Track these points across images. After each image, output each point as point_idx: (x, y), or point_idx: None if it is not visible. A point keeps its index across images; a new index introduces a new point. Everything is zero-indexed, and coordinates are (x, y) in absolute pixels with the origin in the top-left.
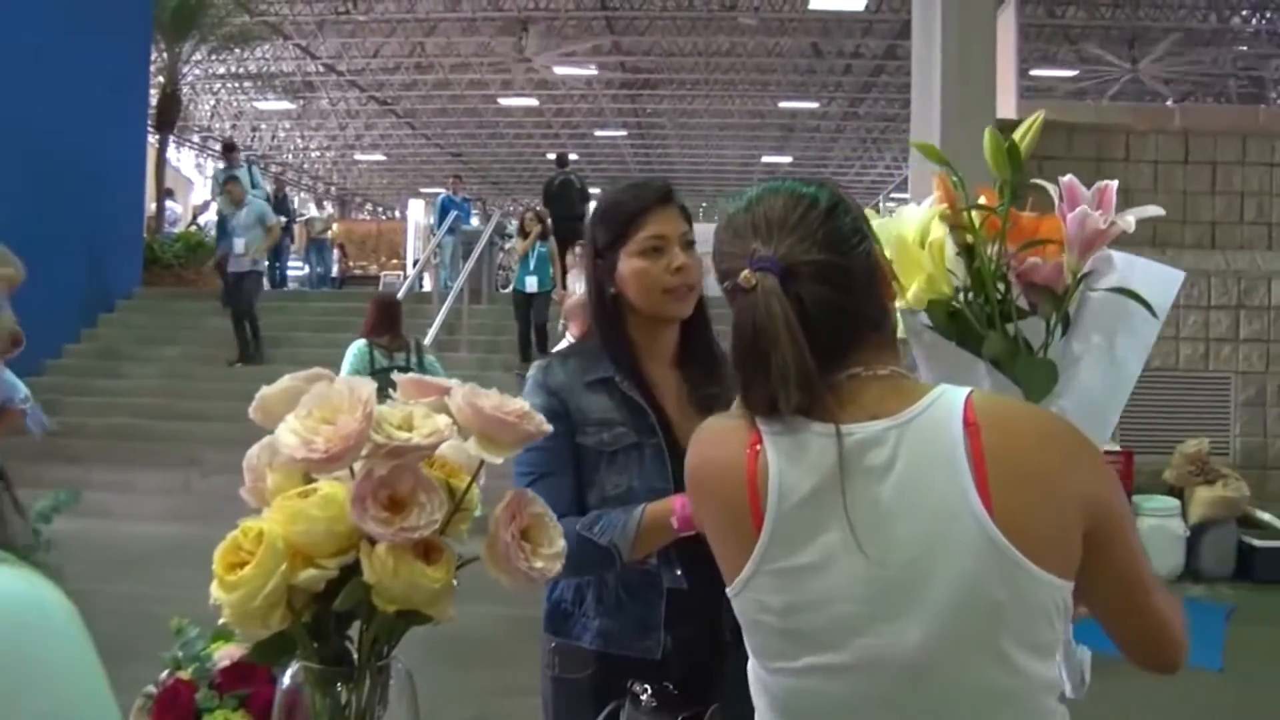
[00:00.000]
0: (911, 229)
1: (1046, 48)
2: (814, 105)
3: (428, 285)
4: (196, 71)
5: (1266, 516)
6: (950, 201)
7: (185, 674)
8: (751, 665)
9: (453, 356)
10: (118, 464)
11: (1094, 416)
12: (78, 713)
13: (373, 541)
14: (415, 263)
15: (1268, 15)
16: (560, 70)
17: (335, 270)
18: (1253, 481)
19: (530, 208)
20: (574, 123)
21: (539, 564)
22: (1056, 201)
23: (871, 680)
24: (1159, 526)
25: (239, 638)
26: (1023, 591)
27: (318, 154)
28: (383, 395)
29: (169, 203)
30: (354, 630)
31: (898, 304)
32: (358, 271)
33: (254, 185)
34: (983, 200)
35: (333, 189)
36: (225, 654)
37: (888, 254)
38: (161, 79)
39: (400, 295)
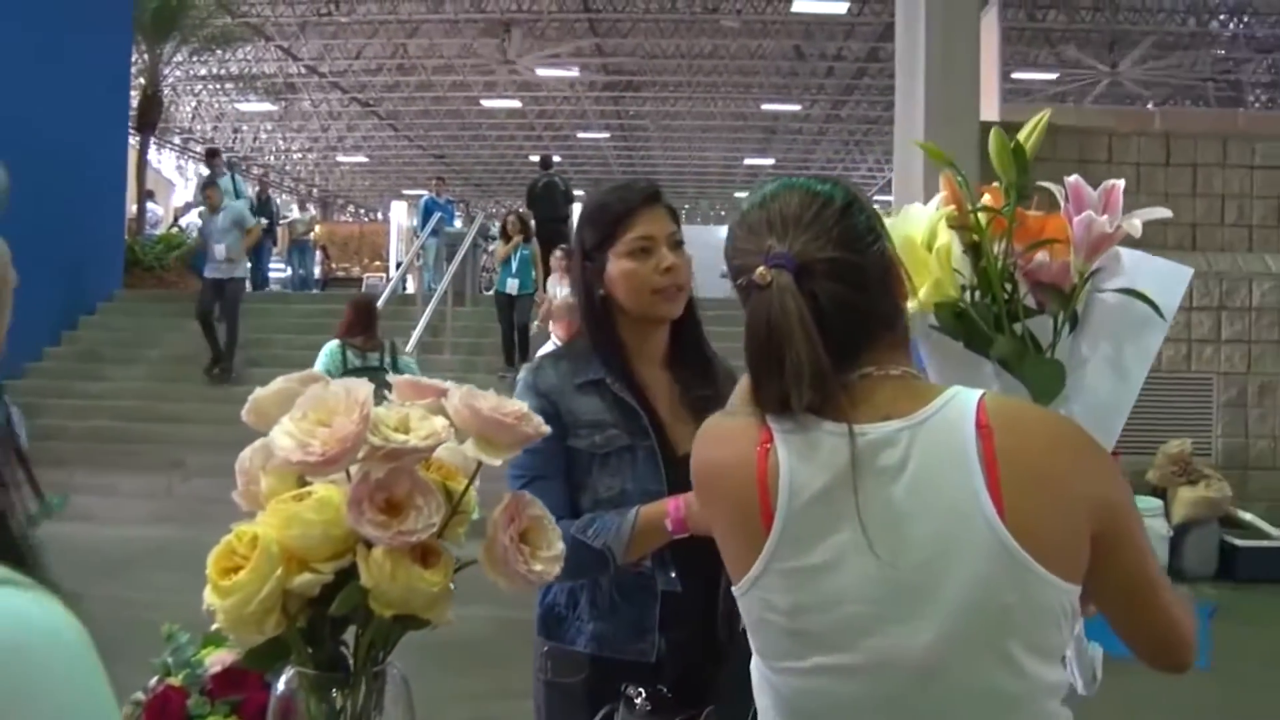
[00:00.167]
0: (919, 230)
1: (1027, 51)
2: (796, 107)
3: (411, 287)
4: (178, 73)
5: (1248, 516)
6: (957, 202)
7: (176, 680)
8: (756, 665)
9: (436, 359)
10: (99, 467)
11: (1101, 420)
12: None
13: (369, 545)
14: (398, 265)
15: (1245, 19)
16: (543, 72)
17: (317, 272)
18: (1234, 482)
19: (513, 210)
20: (557, 124)
21: (538, 567)
22: (1062, 203)
23: (879, 681)
24: None
25: (232, 643)
26: (1032, 595)
27: (300, 156)
28: None
29: (150, 204)
30: (349, 634)
31: (908, 304)
32: (340, 274)
33: (237, 194)
34: (987, 199)
35: (315, 191)
36: (216, 659)
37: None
38: (142, 80)
39: (384, 297)
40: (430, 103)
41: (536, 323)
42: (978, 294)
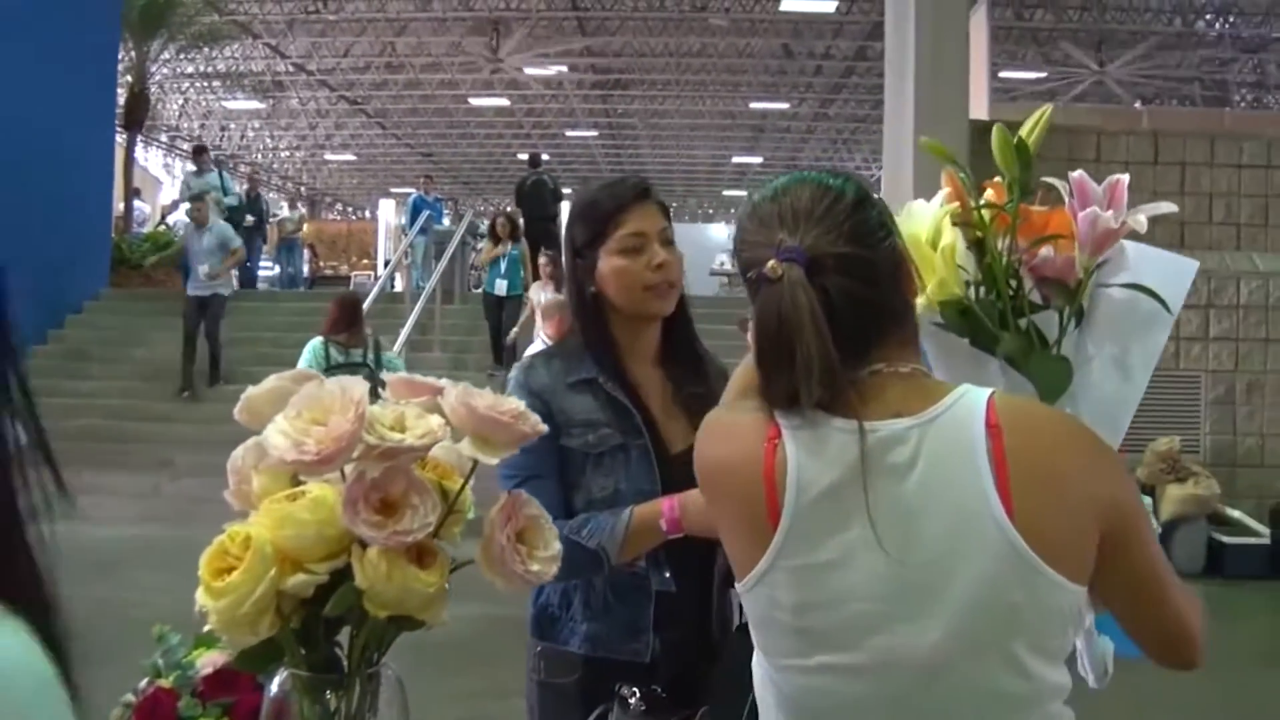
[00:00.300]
0: (923, 228)
1: (1015, 50)
2: (785, 106)
3: (399, 286)
4: (165, 70)
5: (1236, 513)
6: (960, 199)
7: (166, 682)
8: (758, 662)
9: (425, 357)
10: (86, 467)
11: (1108, 418)
12: None
13: (364, 545)
14: (386, 263)
15: (1230, 19)
16: (531, 70)
17: (305, 270)
18: (1222, 479)
19: (502, 211)
20: (545, 123)
21: (535, 567)
22: (1066, 199)
23: (885, 681)
24: None
25: (223, 644)
26: (1039, 596)
27: (287, 154)
28: None
29: (137, 203)
30: (342, 635)
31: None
32: (328, 272)
33: (225, 191)
34: (990, 194)
35: (302, 189)
36: (208, 661)
37: None
38: (130, 78)
39: (372, 296)
40: (418, 101)
41: (514, 330)
42: (982, 290)
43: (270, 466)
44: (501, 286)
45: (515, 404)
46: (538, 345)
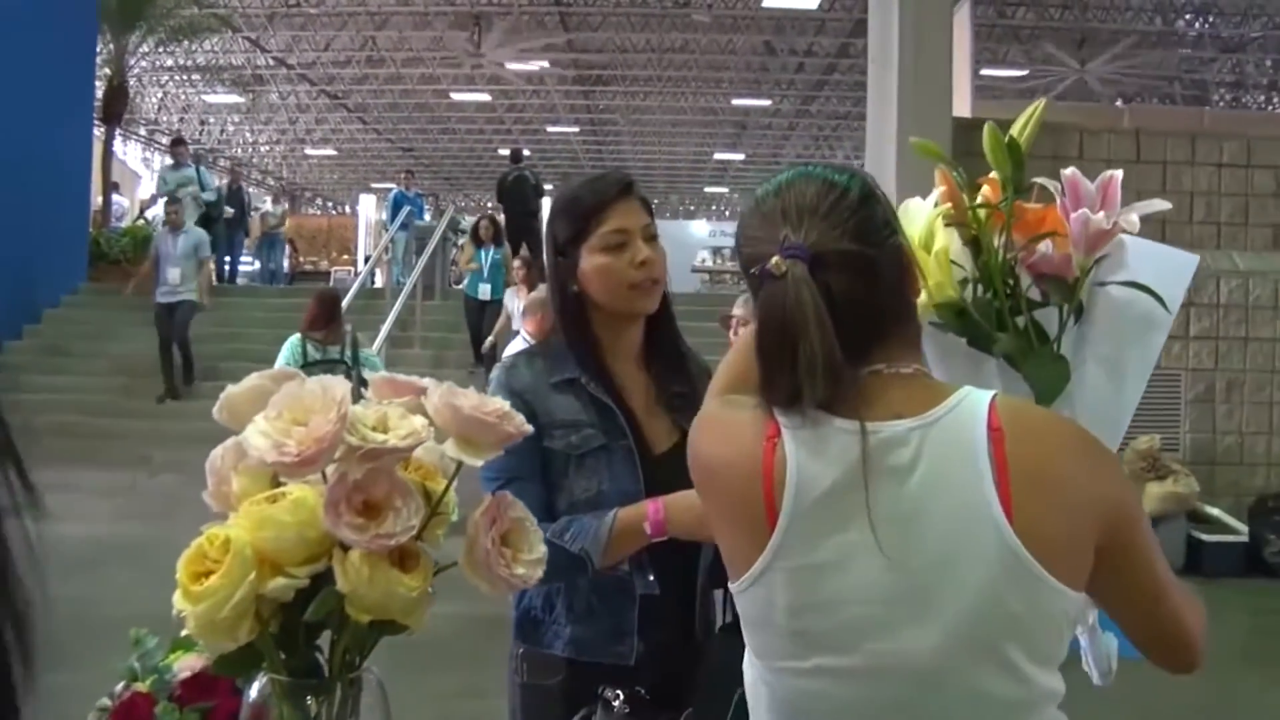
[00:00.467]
0: (916, 229)
1: (996, 47)
2: (766, 103)
3: (380, 281)
4: (144, 63)
5: (1215, 512)
6: (954, 197)
7: (143, 686)
8: (751, 664)
9: (406, 353)
10: (62, 463)
11: (1106, 421)
12: None
13: (346, 548)
14: (366, 259)
15: (1210, 19)
16: (513, 65)
17: (286, 266)
18: (1202, 477)
19: (486, 214)
20: (526, 118)
21: (520, 570)
22: (1058, 197)
23: (881, 684)
24: None
25: (201, 647)
26: (1037, 601)
27: (267, 148)
28: None
29: (115, 197)
30: (324, 639)
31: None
32: (308, 267)
33: (203, 186)
34: (987, 191)
35: (283, 184)
36: (185, 664)
37: None
38: (108, 70)
39: (352, 292)
40: (399, 96)
41: (490, 338)
42: (980, 288)
43: (250, 467)
44: (485, 291)
45: (500, 404)
46: (519, 344)
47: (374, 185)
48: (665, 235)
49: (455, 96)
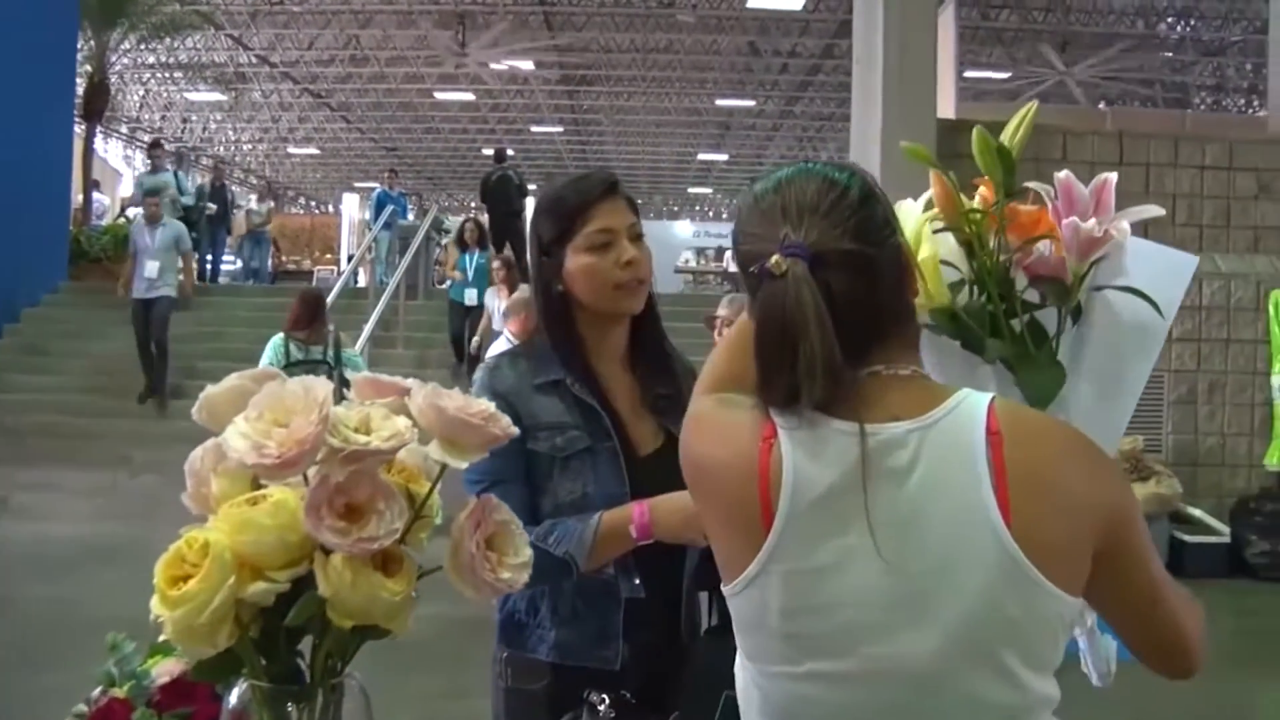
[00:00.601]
0: (907, 233)
1: (980, 50)
2: (751, 103)
3: (363, 281)
4: (125, 60)
5: (1197, 513)
6: (948, 200)
7: (120, 691)
8: (743, 667)
9: (389, 353)
10: (42, 463)
11: (1102, 426)
12: None
13: (327, 552)
14: (350, 258)
15: (1191, 23)
16: (497, 65)
17: (269, 265)
18: (1184, 478)
19: (470, 217)
20: (510, 118)
21: (505, 575)
22: (1049, 202)
23: (876, 689)
24: None
25: (180, 652)
26: (1034, 606)
27: (250, 147)
28: None
29: (96, 195)
30: (305, 643)
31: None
32: (291, 266)
33: (181, 190)
34: (983, 191)
35: (266, 182)
36: (164, 670)
37: None
38: (89, 67)
39: (335, 291)
40: (383, 95)
41: (475, 340)
42: (976, 290)
43: (230, 469)
44: (471, 295)
45: (485, 406)
46: (502, 345)
47: (357, 184)
48: (649, 236)
49: (439, 96)
